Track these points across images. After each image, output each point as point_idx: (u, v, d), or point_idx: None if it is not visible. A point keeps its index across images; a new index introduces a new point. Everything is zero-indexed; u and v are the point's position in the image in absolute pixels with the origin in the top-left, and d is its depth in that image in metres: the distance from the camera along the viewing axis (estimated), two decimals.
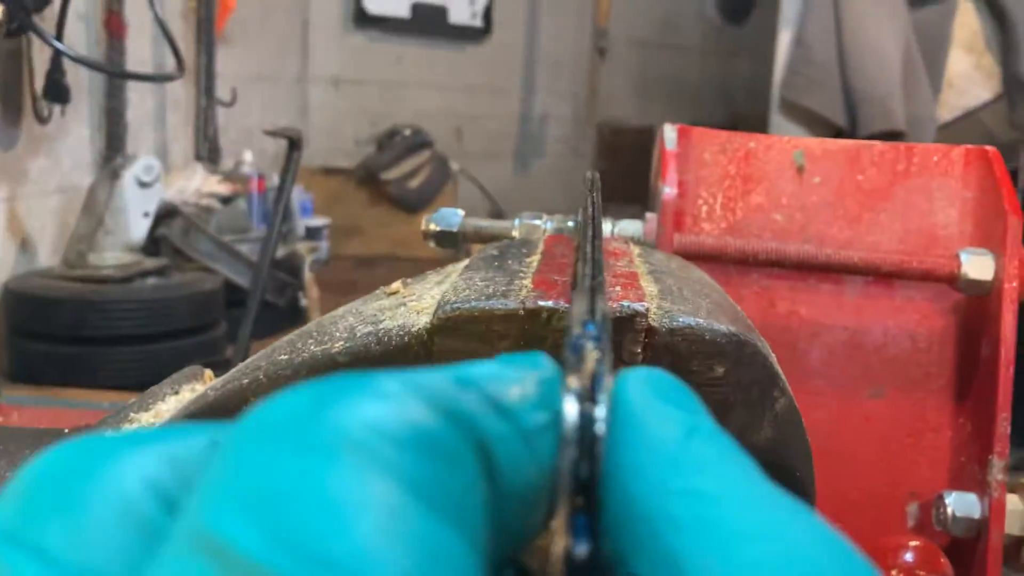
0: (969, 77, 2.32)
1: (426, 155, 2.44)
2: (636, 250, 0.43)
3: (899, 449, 0.57)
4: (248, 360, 0.37)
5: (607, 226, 0.58)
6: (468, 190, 2.61)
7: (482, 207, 2.61)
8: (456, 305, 0.32)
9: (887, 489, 0.57)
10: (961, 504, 0.54)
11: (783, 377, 0.33)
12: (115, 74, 1.41)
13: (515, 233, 0.57)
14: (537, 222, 0.57)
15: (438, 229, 0.57)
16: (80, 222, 1.31)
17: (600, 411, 0.14)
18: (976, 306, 0.57)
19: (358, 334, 0.34)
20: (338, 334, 0.35)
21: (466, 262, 0.42)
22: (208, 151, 1.84)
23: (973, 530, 0.54)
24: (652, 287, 0.35)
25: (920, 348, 0.58)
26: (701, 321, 0.32)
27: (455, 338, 0.32)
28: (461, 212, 0.58)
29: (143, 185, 1.32)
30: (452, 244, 0.58)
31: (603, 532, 0.14)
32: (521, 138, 3.19)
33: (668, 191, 0.57)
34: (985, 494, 0.54)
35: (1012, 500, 0.54)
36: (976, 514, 0.53)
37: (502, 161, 3.10)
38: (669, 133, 0.60)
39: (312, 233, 2.02)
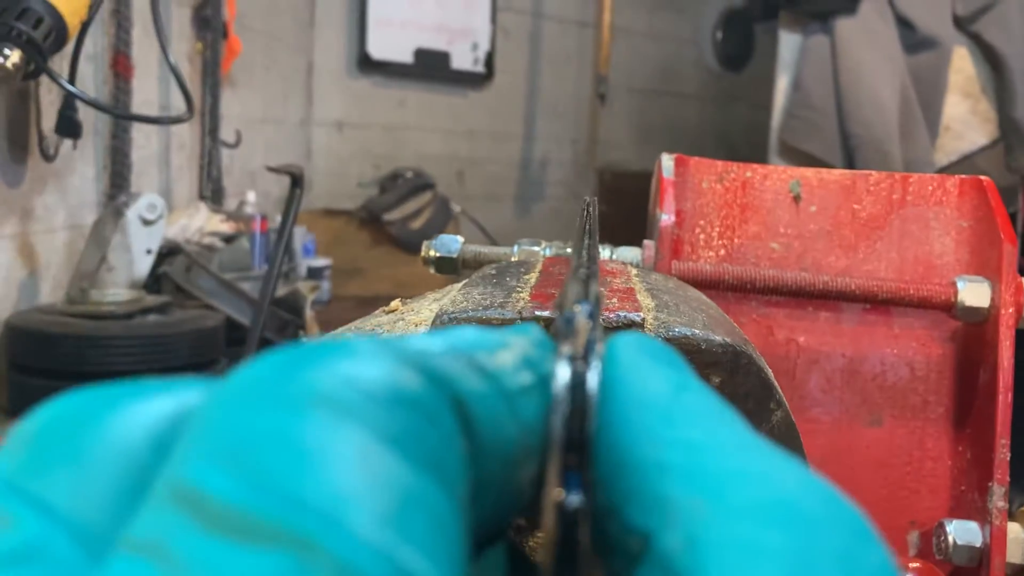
0: (966, 122, 2.34)
1: (428, 197, 2.46)
2: (633, 271, 0.44)
3: (898, 477, 0.57)
4: None
5: (605, 252, 0.58)
6: (469, 231, 2.62)
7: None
8: (453, 315, 0.32)
9: (887, 518, 0.57)
10: (962, 532, 0.54)
11: (779, 390, 0.33)
12: (126, 116, 1.43)
13: (514, 259, 0.57)
14: (536, 248, 0.57)
15: (438, 255, 0.58)
16: (83, 259, 1.32)
17: (592, 371, 0.14)
18: (974, 333, 0.57)
19: None
20: None
21: (465, 280, 0.43)
22: (212, 191, 1.86)
23: (975, 559, 0.53)
24: (648, 301, 0.36)
25: (918, 376, 0.58)
26: (697, 331, 0.32)
27: None
28: (460, 239, 0.59)
29: (146, 223, 1.32)
30: (451, 270, 0.58)
31: (595, 485, 0.14)
32: (522, 181, 3.22)
33: (666, 218, 0.57)
34: (986, 522, 0.54)
35: (1013, 528, 0.54)
36: (977, 542, 0.53)
37: (503, 203, 3.12)
38: (667, 162, 0.60)
39: (314, 273, 2.03)
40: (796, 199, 0.60)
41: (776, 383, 0.34)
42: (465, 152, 3.03)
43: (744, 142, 3.45)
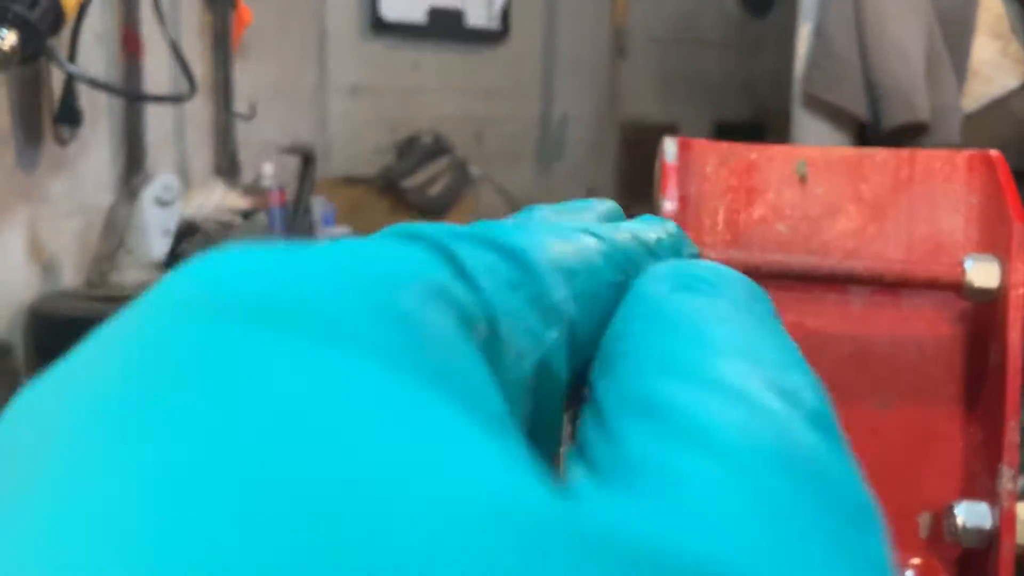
0: (996, 64, 2.28)
1: (445, 162, 2.45)
2: None
3: (908, 460, 0.57)
4: None
5: None
6: (489, 195, 2.62)
7: (503, 211, 2.61)
8: None
9: (898, 500, 0.57)
10: (971, 515, 0.53)
11: None
12: (127, 95, 1.43)
13: None
14: None
15: None
16: (101, 242, 1.33)
17: None
18: (984, 313, 0.56)
19: None
20: None
21: None
22: (228, 166, 1.86)
23: (984, 541, 0.53)
24: None
25: (928, 357, 0.57)
26: None
27: None
28: None
29: (162, 204, 1.33)
30: None
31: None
32: (542, 140, 3.19)
33: (669, 205, 0.57)
34: (996, 504, 0.53)
35: (1023, 511, 0.53)
36: (987, 524, 0.53)
37: (523, 164, 3.10)
38: (669, 147, 0.59)
39: None
40: (802, 180, 0.59)
41: None
42: (482, 112, 3.01)
43: (770, 92, 3.40)
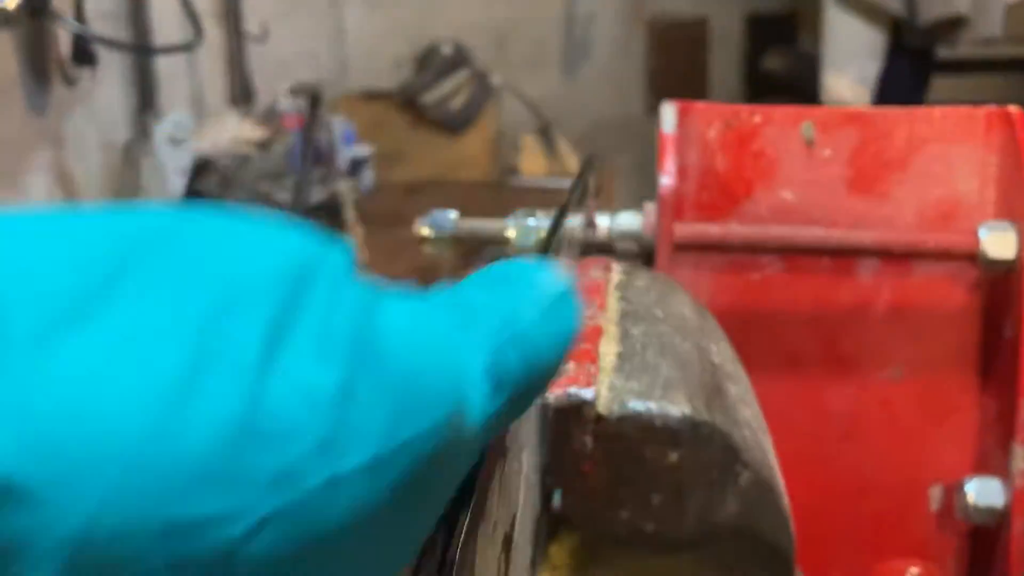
0: None
1: (466, 74, 2.39)
2: (615, 279, 0.42)
3: (920, 432, 0.55)
4: None
5: (605, 220, 0.56)
6: (512, 106, 2.56)
7: (528, 122, 2.56)
8: None
9: (908, 472, 0.55)
10: (983, 492, 0.52)
11: (748, 450, 0.32)
12: (135, 49, 1.39)
13: (510, 234, 0.55)
14: (531, 221, 0.55)
15: (431, 233, 0.56)
16: (119, 182, 1.32)
17: None
18: (1000, 282, 0.54)
19: None
20: None
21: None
22: (242, 93, 1.83)
23: (995, 519, 0.52)
24: (612, 348, 0.34)
25: (941, 327, 0.55)
26: (652, 406, 0.30)
27: None
28: (454, 214, 0.56)
29: (175, 143, 1.32)
30: (447, 247, 0.56)
31: None
32: (567, 43, 3.10)
33: (666, 181, 0.54)
34: (1009, 482, 0.52)
35: None
36: (999, 503, 0.52)
37: (548, 69, 3.02)
38: (667, 114, 0.57)
39: (356, 165, 2.01)
40: (809, 143, 0.57)
41: (746, 442, 0.32)
42: (504, 16, 2.92)
43: None
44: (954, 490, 0.54)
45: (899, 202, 0.55)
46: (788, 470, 0.56)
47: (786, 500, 0.34)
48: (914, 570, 0.49)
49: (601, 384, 0.31)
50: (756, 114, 0.57)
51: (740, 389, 0.36)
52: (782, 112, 0.57)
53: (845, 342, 0.56)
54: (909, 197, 0.55)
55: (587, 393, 0.30)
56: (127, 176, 1.32)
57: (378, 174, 2.15)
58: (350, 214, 1.58)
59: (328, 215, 1.53)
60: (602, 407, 0.30)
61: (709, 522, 0.31)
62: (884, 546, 0.54)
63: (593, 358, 0.32)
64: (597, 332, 0.35)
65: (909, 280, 0.55)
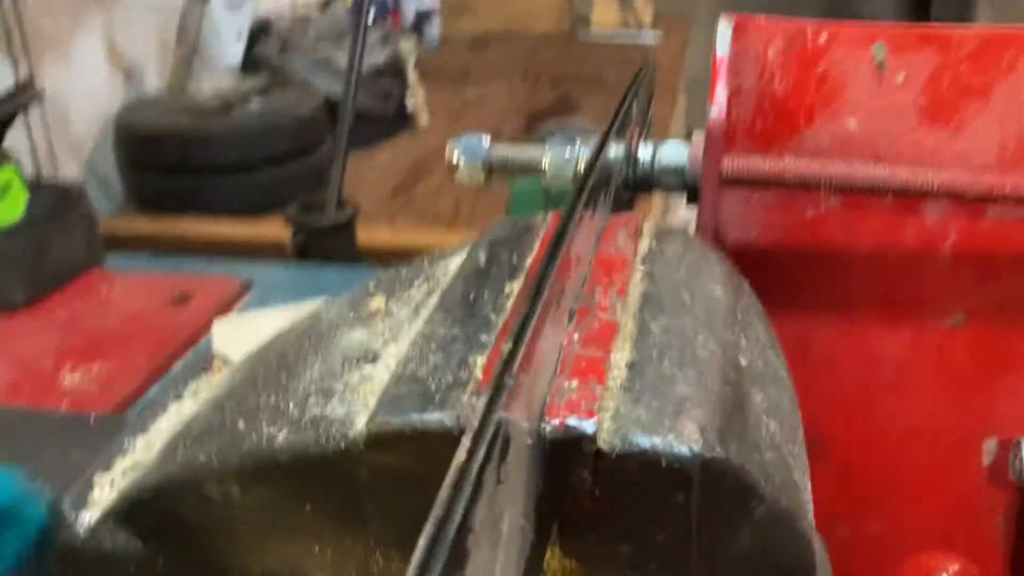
0: None
1: None
2: (644, 248, 0.39)
3: (977, 382, 0.52)
4: (201, 412, 0.36)
5: (647, 152, 0.52)
6: None
7: None
8: (385, 420, 0.29)
9: (962, 424, 0.53)
10: None
11: (767, 479, 0.29)
12: None
13: (545, 164, 0.52)
14: (567, 152, 0.52)
15: (463, 161, 0.53)
16: (176, 50, 1.30)
17: None
18: None
19: (306, 416, 0.32)
20: (292, 404, 0.33)
21: (452, 274, 0.39)
22: None
23: None
24: (624, 355, 0.31)
25: (1010, 274, 0.51)
26: (658, 442, 0.28)
27: (390, 455, 0.29)
28: (487, 139, 0.53)
29: (233, 7, 1.28)
30: (479, 176, 0.53)
31: None
32: None
33: (715, 112, 0.50)
34: None
35: None
36: None
37: None
38: (723, 31, 0.52)
39: (422, 19, 1.94)
40: (880, 66, 0.51)
41: (767, 468, 0.30)
42: None
43: None
44: (1009, 446, 0.51)
45: (977, 136, 0.50)
46: (833, 417, 0.54)
47: (809, 519, 0.32)
48: (954, 567, 0.47)
49: (605, 412, 0.29)
50: (823, 32, 0.52)
51: (768, 393, 0.34)
52: (852, 30, 0.52)
53: (902, 286, 0.52)
54: (989, 132, 0.50)
55: (588, 426, 0.28)
56: (183, 42, 1.30)
57: (444, 27, 2.08)
58: (412, 74, 1.53)
59: (392, 75, 1.49)
60: (603, 442, 0.28)
61: (721, 558, 0.29)
62: (929, 498, 0.52)
63: (601, 373, 0.30)
64: (611, 331, 0.33)
65: (980, 223, 0.50)
